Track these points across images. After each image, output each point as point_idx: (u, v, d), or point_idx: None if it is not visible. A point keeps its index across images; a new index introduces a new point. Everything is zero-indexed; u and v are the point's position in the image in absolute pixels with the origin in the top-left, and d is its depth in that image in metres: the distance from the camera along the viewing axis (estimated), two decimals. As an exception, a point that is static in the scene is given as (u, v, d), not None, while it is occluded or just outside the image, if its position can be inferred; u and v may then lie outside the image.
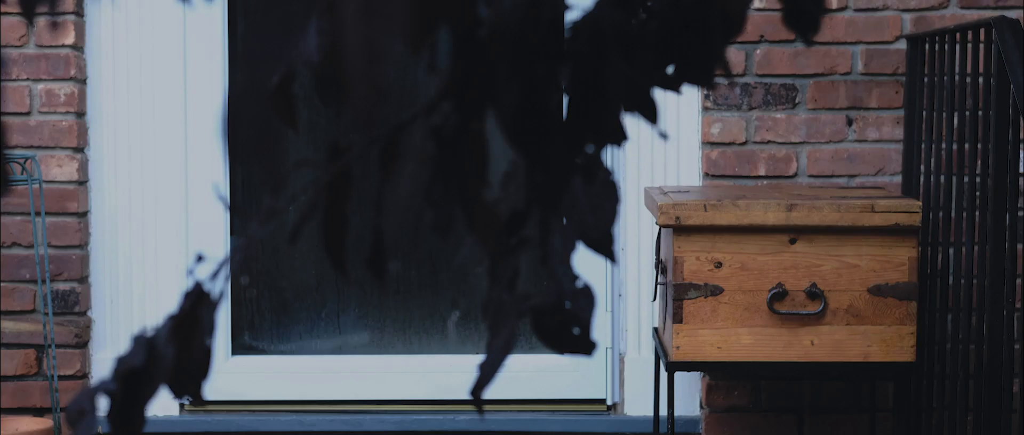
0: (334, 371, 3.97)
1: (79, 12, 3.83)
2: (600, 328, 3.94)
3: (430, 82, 0.95)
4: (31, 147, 3.81)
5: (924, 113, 3.51)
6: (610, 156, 3.83)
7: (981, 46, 3.13)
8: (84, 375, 3.86)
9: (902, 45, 3.77)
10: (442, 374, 3.94)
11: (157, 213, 3.89)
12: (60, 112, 3.81)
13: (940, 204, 3.33)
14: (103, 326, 3.91)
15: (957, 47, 3.25)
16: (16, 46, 3.80)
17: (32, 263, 3.80)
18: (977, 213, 3.09)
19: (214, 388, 3.86)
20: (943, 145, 3.34)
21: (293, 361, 4.02)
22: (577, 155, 1.00)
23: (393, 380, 3.96)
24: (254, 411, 3.95)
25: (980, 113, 3.14)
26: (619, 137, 1.01)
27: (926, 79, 3.52)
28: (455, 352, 4.01)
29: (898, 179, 3.78)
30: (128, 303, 3.91)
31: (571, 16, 1.01)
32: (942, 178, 3.32)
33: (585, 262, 3.79)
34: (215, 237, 3.93)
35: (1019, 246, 3.39)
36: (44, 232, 3.76)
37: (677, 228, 3.23)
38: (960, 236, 3.20)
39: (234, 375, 3.95)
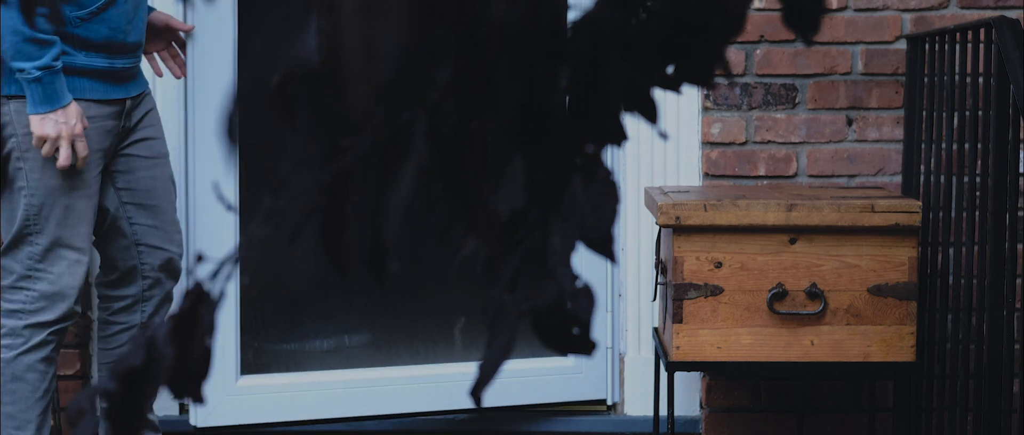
0: (337, 383, 3.96)
1: (79, 12, 3.82)
2: (600, 328, 3.94)
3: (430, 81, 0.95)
4: (31, 147, 3.80)
5: (924, 113, 3.51)
6: (610, 156, 3.83)
7: (981, 46, 3.13)
8: (84, 375, 3.86)
9: (902, 45, 3.77)
10: (446, 383, 3.93)
11: (157, 213, 3.89)
12: (60, 112, 3.80)
13: (940, 204, 3.33)
14: (103, 326, 3.90)
15: (957, 47, 3.26)
16: (16, 46, 3.80)
17: (32, 263, 3.80)
18: (977, 213, 3.09)
19: (223, 411, 3.86)
20: (943, 145, 3.34)
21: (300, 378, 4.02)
22: (577, 155, 1.00)
23: (395, 389, 3.96)
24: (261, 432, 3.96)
25: (980, 113, 3.14)
26: (619, 137, 1.01)
27: (926, 79, 3.52)
28: (461, 360, 4.00)
29: (898, 179, 3.78)
30: (128, 303, 3.90)
31: (571, 16, 1.01)
32: (942, 178, 3.32)
33: (585, 262, 3.77)
34: (215, 237, 3.93)
35: (1019, 246, 3.39)
36: (44, 232, 3.76)
37: (677, 228, 3.24)
38: (960, 236, 3.20)
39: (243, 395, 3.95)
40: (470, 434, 3.92)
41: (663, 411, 3.62)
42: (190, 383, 0.95)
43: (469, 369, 3.80)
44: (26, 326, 3.25)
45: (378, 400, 3.93)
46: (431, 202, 0.95)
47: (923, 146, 3.50)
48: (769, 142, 3.80)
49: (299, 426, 3.91)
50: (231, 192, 3.81)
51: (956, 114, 3.26)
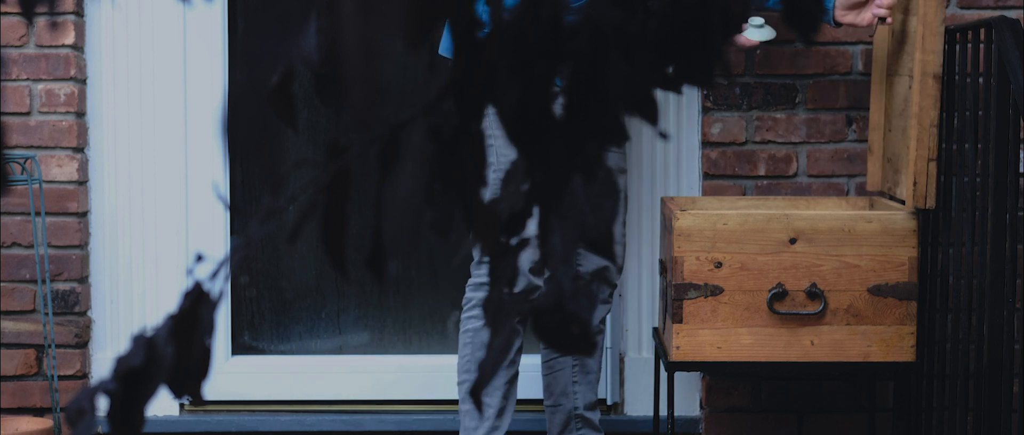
0: (333, 371, 3.97)
1: (79, 12, 3.83)
2: (600, 328, 3.93)
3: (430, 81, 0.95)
4: (31, 147, 3.81)
5: (924, 113, 3.51)
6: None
7: (981, 46, 3.13)
8: (84, 375, 3.86)
9: (902, 45, 3.77)
10: (443, 373, 3.93)
11: (157, 213, 3.89)
12: (60, 112, 3.81)
13: (940, 204, 3.32)
14: (103, 326, 3.91)
15: (957, 47, 3.25)
16: (16, 46, 3.80)
17: (32, 263, 3.80)
18: (977, 213, 3.09)
19: (214, 388, 3.86)
20: (943, 145, 3.34)
21: (293, 361, 4.02)
22: (577, 155, 1.00)
23: (392, 380, 3.96)
24: (254, 411, 3.95)
25: (980, 113, 3.14)
26: (619, 137, 1.01)
27: (926, 79, 3.51)
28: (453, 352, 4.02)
29: (898, 179, 3.78)
30: (128, 303, 3.91)
31: (571, 16, 1.01)
32: (942, 178, 3.32)
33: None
34: (215, 237, 3.93)
35: (1019, 246, 3.39)
36: (44, 232, 3.76)
37: (677, 228, 3.24)
38: (960, 236, 3.20)
39: (234, 375, 3.95)
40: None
41: (663, 411, 3.62)
42: (190, 382, 0.95)
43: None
44: None
45: (373, 387, 3.93)
46: (431, 202, 0.95)
47: (923, 146, 3.50)
48: (769, 142, 3.79)
49: (288, 405, 3.92)
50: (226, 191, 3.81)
51: (956, 114, 3.26)
